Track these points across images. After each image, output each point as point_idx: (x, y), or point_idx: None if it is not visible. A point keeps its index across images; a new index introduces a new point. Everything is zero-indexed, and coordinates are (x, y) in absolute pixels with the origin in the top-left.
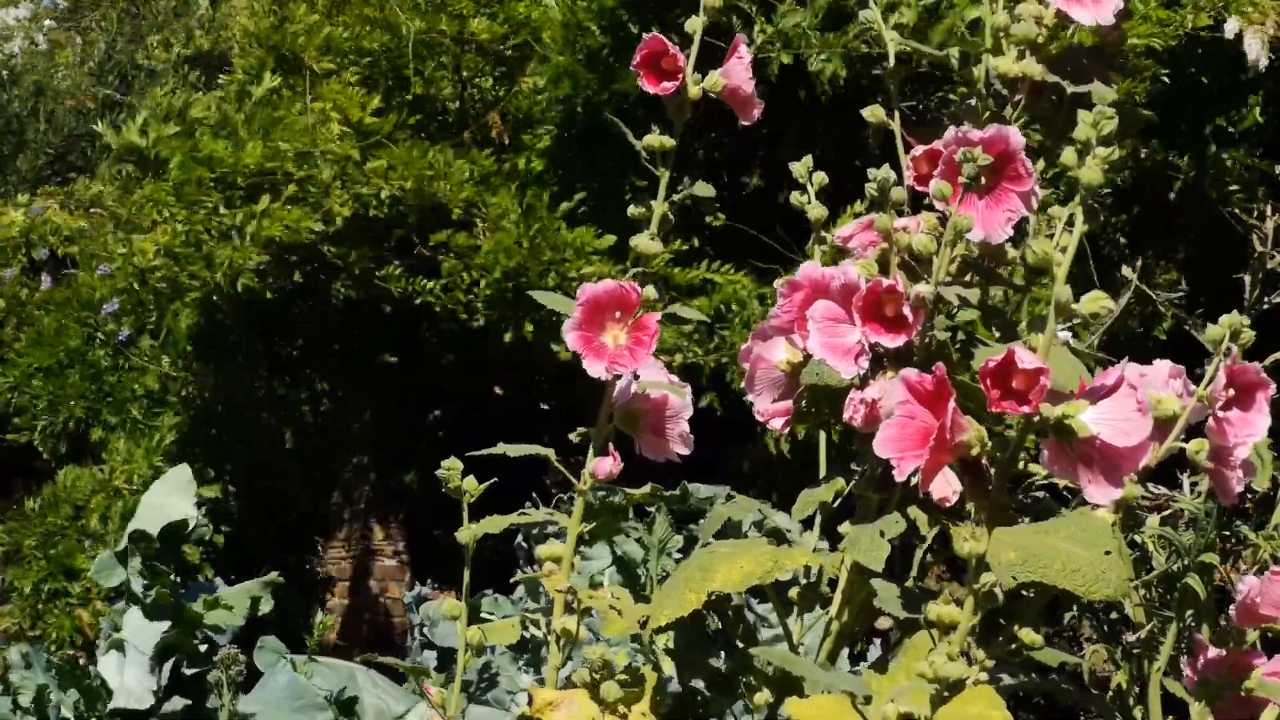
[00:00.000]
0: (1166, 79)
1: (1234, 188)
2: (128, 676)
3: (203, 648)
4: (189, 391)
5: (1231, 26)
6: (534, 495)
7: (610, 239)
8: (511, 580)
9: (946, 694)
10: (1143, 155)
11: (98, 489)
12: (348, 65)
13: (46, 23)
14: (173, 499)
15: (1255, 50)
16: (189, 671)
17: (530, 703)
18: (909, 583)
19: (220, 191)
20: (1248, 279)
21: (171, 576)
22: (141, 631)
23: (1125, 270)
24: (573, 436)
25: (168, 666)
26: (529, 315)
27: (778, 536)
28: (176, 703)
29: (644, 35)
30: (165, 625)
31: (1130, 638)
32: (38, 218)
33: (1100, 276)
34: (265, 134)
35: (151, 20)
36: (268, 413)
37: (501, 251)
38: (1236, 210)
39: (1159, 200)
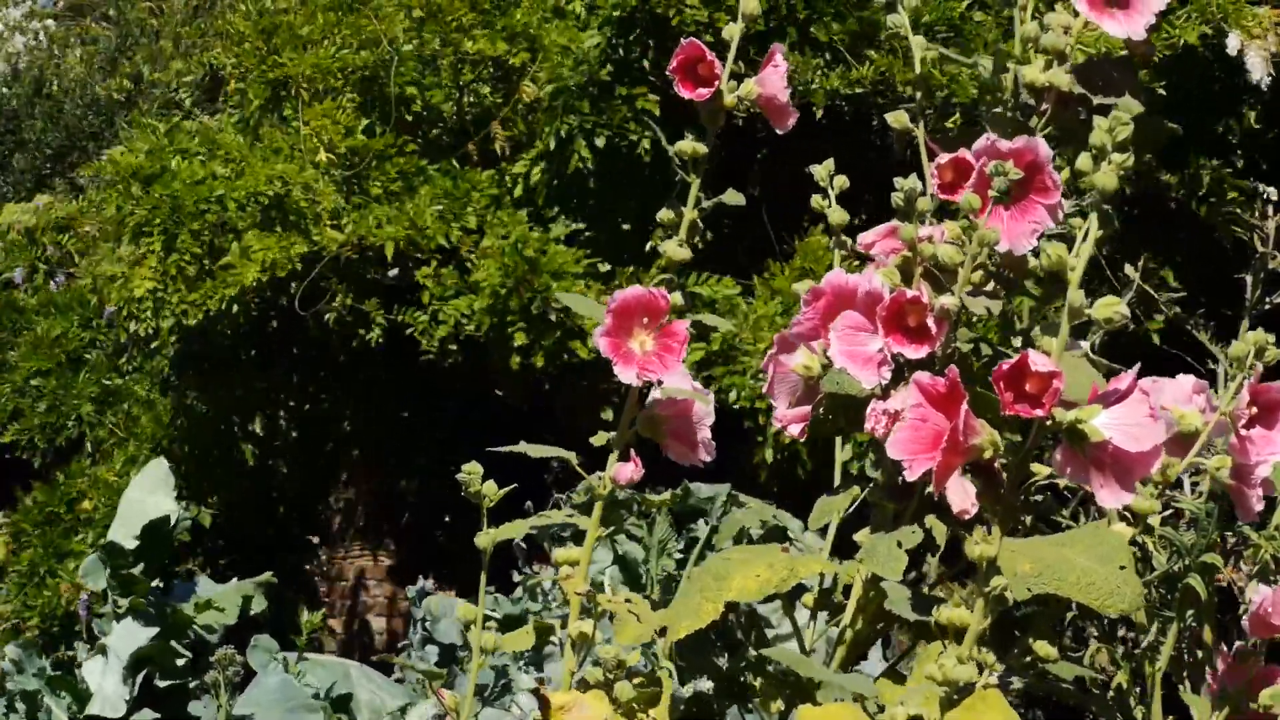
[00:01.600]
0: (1162, 91)
1: (1229, 209)
2: (106, 683)
3: (184, 659)
4: (188, 395)
5: (1233, 43)
6: (553, 495)
7: (602, 266)
8: (515, 579)
9: (956, 697)
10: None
11: (94, 482)
12: (341, 87)
13: (48, 21)
14: (152, 495)
15: (1259, 68)
16: (162, 684)
17: (541, 706)
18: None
19: (203, 219)
20: (1249, 279)
21: (152, 582)
22: (123, 638)
23: (1128, 269)
24: (594, 441)
25: (141, 677)
26: (515, 346)
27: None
28: (146, 715)
29: (640, 62)
30: (147, 634)
31: (1131, 639)
32: (44, 215)
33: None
34: (254, 162)
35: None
36: (265, 413)
37: (488, 288)
38: (1236, 211)
39: (1159, 202)
